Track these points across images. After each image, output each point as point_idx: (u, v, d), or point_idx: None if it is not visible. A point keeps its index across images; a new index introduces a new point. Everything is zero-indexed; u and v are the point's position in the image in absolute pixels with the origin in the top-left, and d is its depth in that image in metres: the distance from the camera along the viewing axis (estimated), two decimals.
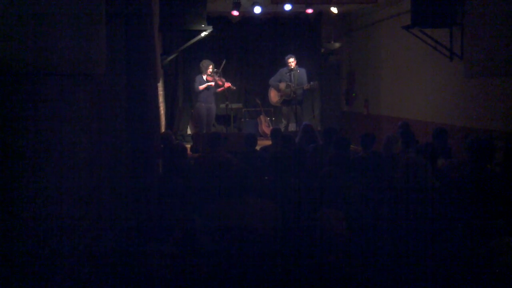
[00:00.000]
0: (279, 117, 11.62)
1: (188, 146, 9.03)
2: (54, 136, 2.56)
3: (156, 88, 6.65)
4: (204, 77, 10.29)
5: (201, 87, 10.21)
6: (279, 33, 12.36)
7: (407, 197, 3.91)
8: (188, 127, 11.81)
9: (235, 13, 9.98)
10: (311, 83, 10.52)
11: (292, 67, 10.48)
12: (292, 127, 10.81)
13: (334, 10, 10.32)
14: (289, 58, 10.53)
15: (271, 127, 10.85)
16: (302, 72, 10.62)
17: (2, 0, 1.87)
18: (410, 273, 3.35)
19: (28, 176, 2.21)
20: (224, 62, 10.57)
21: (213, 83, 10.29)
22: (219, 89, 10.57)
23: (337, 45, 12.17)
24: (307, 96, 11.88)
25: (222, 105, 11.06)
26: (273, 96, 10.97)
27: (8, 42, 1.94)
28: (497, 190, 4.12)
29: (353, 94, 12.30)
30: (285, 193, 4.35)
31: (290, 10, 10.13)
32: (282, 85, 10.61)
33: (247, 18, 11.41)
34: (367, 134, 6.10)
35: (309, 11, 10.39)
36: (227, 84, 10.56)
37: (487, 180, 4.20)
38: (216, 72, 10.43)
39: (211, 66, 10.32)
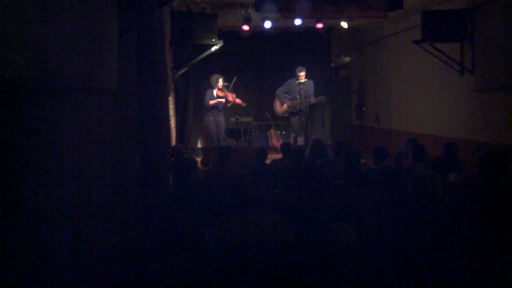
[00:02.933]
0: (289, 130, 11.62)
1: (199, 159, 9.06)
2: (66, 151, 2.58)
3: (167, 102, 6.70)
4: (214, 91, 10.33)
5: (211, 102, 10.25)
6: (289, 47, 12.44)
7: (418, 211, 3.89)
8: (199, 140, 11.84)
9: (246, 27, 10.04)
10: (319, 97, 10.50)
11: (302, 81, 10.46)
12: (301, 141, 10.79)
13: (344, 24, 10.35)
14: (300, 71, 10.48)
15: (281, 141, 10.84)
16: (310, 85, 10.61)
17: (16, 16, 1.90)
18: (423, 286, 3.32)
19: (38, 193, 2.22)
20: (235, 78, 10.62)
21: (223, 100, 10.32)
22: (228, 105, 10.60)
23: (347, 59, 12.19)
24: (317, 110, 11.87)
25: (232, 119, 11.08)
26: (279, 107, 11.00)
27: (20, 57, 1.97)
28: (509, 205, 4.09)
29: (364, 108, 12.30)
30: (295, 207, 4.35)
31: (300, 24, 10.17)
32: (286, 105, 10.68)
33: (258, 32, 11.47)
34: (380, 148, 6.01)
35: (319, 25, 10.43)
36: (238, 101, 10.58)
37: (499, 194, 4.17)
38: (227, 87, 10.47)
39: (220, 80, 10.36)
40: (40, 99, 2.29)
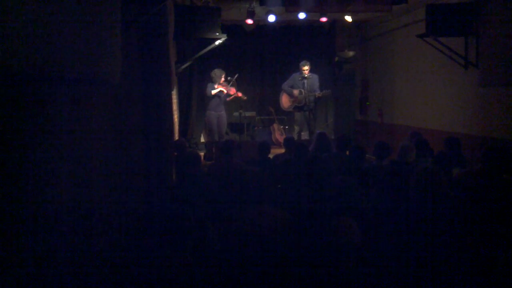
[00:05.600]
0: (292, 125, 11.62)
1: (202, 154, 9.06)
2: (67, 144, 2.58)
3: (171, 96, 6.70)
4: (215, 85, 10.37)
5: (214, 92, 10.30)
6: (293, 41, 12.44)
7: (421, 206, 3.88)
8: (202, 135, 11.85)
9: (250, 21, 10.01)
10: (324, 91, 10.51)
11: (306, 75, 10.50)
12: (305, 135, 10.79)
13: (348, 18, 10.31)
14: (303, 65, 10.52)
15: (284, 136, 10.85)
16: (315, 78, 10.64)
17: (19, 8, 1.90)
18: (425, 283, 3.32)
19: (38, 186, 2.22)
20: (236, 75, 10.63)
21: (225, 90, 10.36)
22: (229, 98, 10.63)
23: (351, 53, 12.16)
24: (320, 104, 11.84)
25: (236, 113, 11.09)
26: (285, 101, 10.99)
27: (23, 48, 1.97)
28: None
29: (367, 103, 12.27)
30: (298, 202, 4.34)
31: (304, 18, 10.14)
32: (296, 92, 10.63)
33: (262, 26, 11.45)
34: (382, 144, 5.95)
35: (323, 19, 10.39)
36: (239, 94, 10.61)
37: (502, 189, 4.16)
38: (229, 81, 10.48)
39: (223, 76, 10.40)
40: (42, 91, 2.29)
